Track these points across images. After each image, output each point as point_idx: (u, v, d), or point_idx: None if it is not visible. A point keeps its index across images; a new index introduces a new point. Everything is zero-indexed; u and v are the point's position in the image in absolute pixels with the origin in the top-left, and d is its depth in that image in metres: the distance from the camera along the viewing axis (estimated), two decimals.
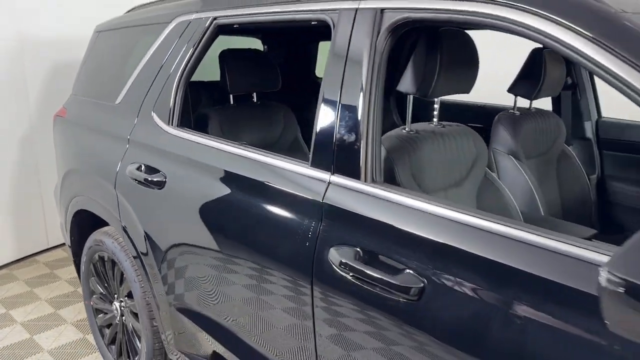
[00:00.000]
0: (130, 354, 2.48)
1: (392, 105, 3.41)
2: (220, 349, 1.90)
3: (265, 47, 3.53)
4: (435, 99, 1.80)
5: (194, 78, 3.16)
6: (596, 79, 2.50)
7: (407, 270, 1.22)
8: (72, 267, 3.83)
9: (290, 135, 2.67)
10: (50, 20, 3.80)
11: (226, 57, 2.34)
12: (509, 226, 1.10)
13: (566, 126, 2.48)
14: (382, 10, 1.42)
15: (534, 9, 1.11)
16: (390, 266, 1.25)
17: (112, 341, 2.61)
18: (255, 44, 3.62)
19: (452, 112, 3.14)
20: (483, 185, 1.87)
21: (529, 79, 2.21)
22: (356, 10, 1.48)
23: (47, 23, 3.79)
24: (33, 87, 3.81)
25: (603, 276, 0.75)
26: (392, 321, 1.24)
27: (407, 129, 1.71)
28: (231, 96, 2.46)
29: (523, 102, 2.31)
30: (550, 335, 0.98)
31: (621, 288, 0.72)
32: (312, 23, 1.66)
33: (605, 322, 0.77)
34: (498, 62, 3.12)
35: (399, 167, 1.58)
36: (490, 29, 1.26)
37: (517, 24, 1.13)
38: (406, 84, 1.61)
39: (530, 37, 1.13)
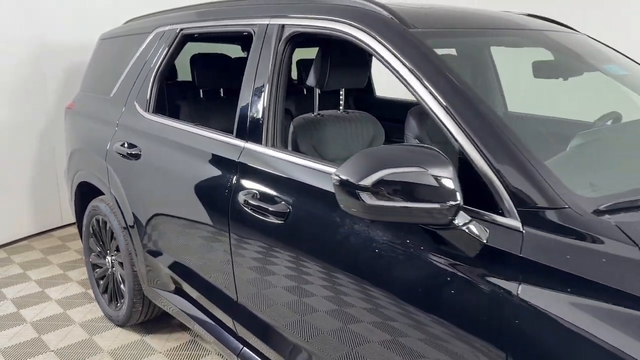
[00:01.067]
0: (118, 298, 3.08)
1: (350, 102, 3.98)
2: (180, 282, 2.48)
3: (246, 52, 4.13)
4: (341, 92, 2.37)
5: (182, 78, 3.79)
6: (502, 78, 3.02)
7: (282, 202, 1.79)
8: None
9: None
10: (65, 28, 4.47)
11: (196, 59, 2.95)
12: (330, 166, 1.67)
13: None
14: (283, 26, 2.01)
15: (349, 21, 1.69)
16: (272, 200, 1.82)
17: (105, 290, 3.22)
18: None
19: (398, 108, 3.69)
20: None
21: None
22: (267, 25, 2.07)
23: (62, 30, 4.46)
24: (51, 85, 4.48)
25: (333, 177, 1.30)
26: (271, 236, 1.81)
27: (314, 114, 2.28)
28: (201, 91, 3.06)
29: None
30: (343, 220, 1.55)
31: (337, 182, 1.28)
32: (244, 33, 2.24)
33: (342, 206, 1.32)
34: None
35: (301, 139, 2.15)
36: (338, 38, 1.81)
37: (347, 34, 1.70)
38: (310, 79, 2.19)
39: (353, 43, 1.70)
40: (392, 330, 1.44)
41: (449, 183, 1.22)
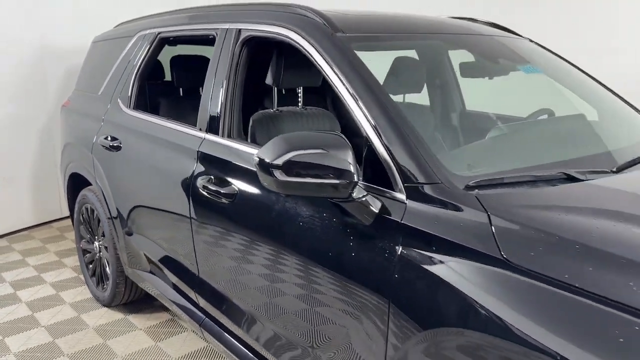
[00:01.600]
0: (104, 280, 3.35)
1: (328, 103, 4.21)
2: (154, 261, 2.74)
3: None
4: (299, 90, 2.62)
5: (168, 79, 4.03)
6: (459, 79, 3.24)
7: (231, 185, 2.04)
8: None
9: None
10: (66, 31, 4.77)
11: (175, 60, 3.22)
12: None
13: (436, 115, 3.24)
14: (240, 30, 2.26)
15: (290, 26, 1.94)
16: (224, 184, 2.07)
17: (93, 274, 3.49)
18: None
19: None
20: None
21: (394, 80, 2.98)
22: (227, 29, 2.32)
23: (63, 33, 4.76)
24: (51, 85, 4.79)
25: (254, 158, 1.55)
26: (227, 212, 2.06)
27: (274, 109, 2.53)
28: (181, 89, 3.32)
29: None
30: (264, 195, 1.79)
31: (257, 162, 1.52)
32: (210, 37, 2.50)
33: (262, 182, 1.57)
34: None
35: (258, 132, 2.39)
36: (283, 41, 2.05)
37: (288, 37, 1.95)
38: (269, 78, 2.43)
39: (293, 46, 1.94)
40: (310, 287, 1.69)
41: (347, 164, 1.46)
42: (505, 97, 2.98)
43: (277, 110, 2.54)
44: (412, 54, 2.21)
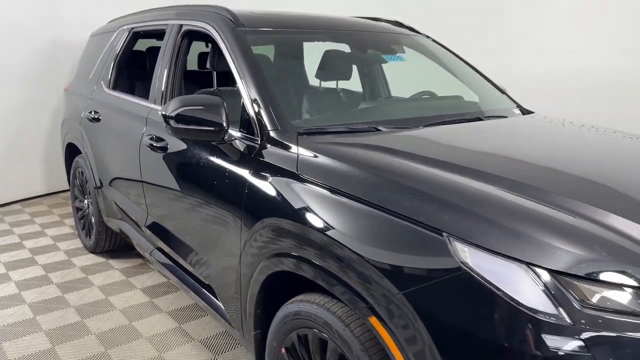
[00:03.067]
0: (90, 231, 4.07)
1: None
2: (120, 207, 3.45)
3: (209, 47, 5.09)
4: None
5: None
6: (384, 67, 3.85)
7: (164, 140, 2.72)
8: None
9: None
10: (77, 30, 5.54)
11: (149, 50, 3.93)
12: None
13: (365, 100, 3.86)
14: (181, 25, 2.94)
15: (208, 22, 2.60)
16: (160, 140, 2.75)
17: (84, 227, 4.22)
18: None
19: None
20: None
21: (324, 69, 3.62)
22: (173, 25, 3.01)
23: (74, 31, 5.53)
24: (64, 74, 5.56)
25: (159, 112, 2.21)
26: (160, 161, 2.74)
27: (213, 89, 3.20)
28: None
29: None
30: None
31: (161, 115, 2.19)
32: (163, 31, 3.18)
33: (166, 130, 2.23)
34: None
35: None
36: (206, 34, 2.72)
37: (208, 30, 2.61)
38: (207, 63, 3.10)
39: (210, 36, 2.61)
40: (203, 207, 2.35)
41: (218, 117, 2.12)
42: (406, 82, 3.60)
43: (217, 89, 3.20)
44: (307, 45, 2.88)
